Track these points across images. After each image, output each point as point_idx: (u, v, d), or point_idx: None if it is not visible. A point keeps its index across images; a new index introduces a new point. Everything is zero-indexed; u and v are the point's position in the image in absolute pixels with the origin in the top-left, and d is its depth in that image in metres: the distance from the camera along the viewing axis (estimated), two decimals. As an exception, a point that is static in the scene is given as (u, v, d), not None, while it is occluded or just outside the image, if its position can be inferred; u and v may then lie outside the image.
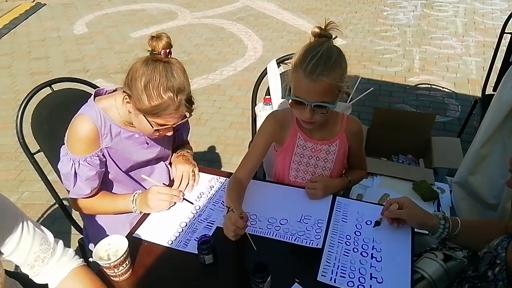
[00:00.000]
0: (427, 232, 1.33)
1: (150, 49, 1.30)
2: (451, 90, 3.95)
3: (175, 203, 1.48)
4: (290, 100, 1.35)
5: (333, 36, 1.30)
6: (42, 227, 1.14)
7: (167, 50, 1.29)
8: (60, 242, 1.17)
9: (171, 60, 1.29)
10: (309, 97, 1.29)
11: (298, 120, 1.50)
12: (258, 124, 2.11)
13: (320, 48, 1.25)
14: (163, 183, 1.58)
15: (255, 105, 2.09)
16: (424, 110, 3.62)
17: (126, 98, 1.33)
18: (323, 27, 1.30)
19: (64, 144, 1.44)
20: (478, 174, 1.98)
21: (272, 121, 1.54)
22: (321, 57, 1.24)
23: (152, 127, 1.34)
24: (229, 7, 6.57)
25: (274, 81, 1.97)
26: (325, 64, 1.24)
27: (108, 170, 1.52)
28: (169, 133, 1.43)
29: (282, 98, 1.97)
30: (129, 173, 1.61)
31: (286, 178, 1.62)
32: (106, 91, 1.50)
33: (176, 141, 1.74)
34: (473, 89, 3.92)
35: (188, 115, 1.39)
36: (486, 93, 2.76)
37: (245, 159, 1.55)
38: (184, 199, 1.50)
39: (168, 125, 1.35)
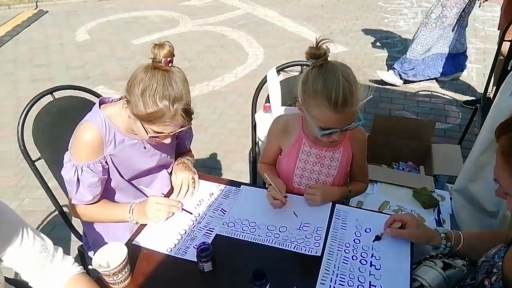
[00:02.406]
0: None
1: (152, 57, 1.30)
2: (451, 97, 3.95)
3: (173, 213, 1.47)
4: (320, 134, 1.35)
5: (328, 51, 1.29)
6: (42, 234, 1.15)
7: (168, 59, 1.28)
8: (60, 249, 1.18)
9: (171, 69, 1.29)
10: (339, 125, 1.31)
11: (304, 126, 1.51)
12: (258, 131, 2.12)
13: (337, 76, 1.24)
14: (162, 193, 1.57)
15: (255, 112, 2.10)
16: (425, 117, 3.62)
17: (125, 103, 1.33)
18: (314, 45, 1.28)
19: (67, 150, 1.44)
20: (478, 181, 1.98)
21: (274, 126, 1.60)
22: (344, 87, 1.23)
23: (147, 134, 1.34)
24: (231, 15, 6.62)
25: (273, 89, 1.98)
26: (351, 93, 1.24)
27: (111, 177, 1.53)
28: (166, 141, 1.41)
29: (282, 105, 1.98)
30: (132, 181, 1.61)
31: (290, 184, 1.62)
32: (112, 100, 1.50)
33: (179, 149, 1.74)
34: (474, 96, 3.92)
35: (187, 125, 1.37)
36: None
37: (264, 155, 1.69)
38: (182, 209, 1.49)
39: (165, 133, 1.35)
